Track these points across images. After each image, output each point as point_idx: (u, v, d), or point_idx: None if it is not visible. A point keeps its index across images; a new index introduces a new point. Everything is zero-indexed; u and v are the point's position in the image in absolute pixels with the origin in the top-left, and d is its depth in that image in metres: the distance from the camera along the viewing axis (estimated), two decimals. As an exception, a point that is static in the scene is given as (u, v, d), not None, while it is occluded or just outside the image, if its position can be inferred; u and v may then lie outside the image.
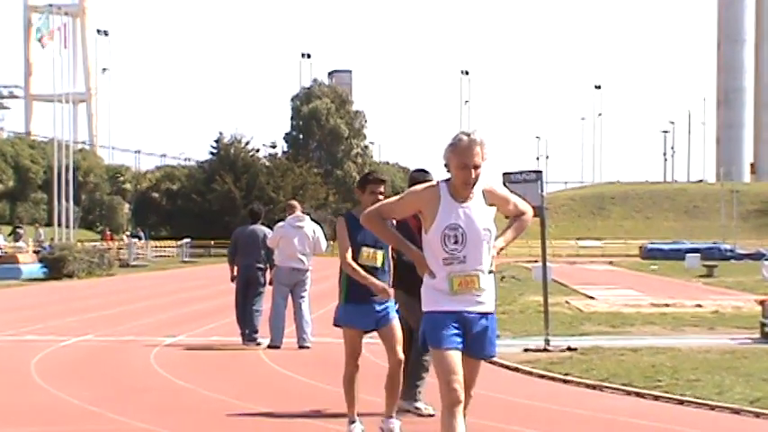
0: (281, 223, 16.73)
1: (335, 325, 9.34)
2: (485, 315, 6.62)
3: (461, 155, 6.52)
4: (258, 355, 15.63)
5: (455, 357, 6.53)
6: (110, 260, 48.55)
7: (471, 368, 6.67)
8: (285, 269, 16.43)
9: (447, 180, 6.63)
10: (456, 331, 6.53)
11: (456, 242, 6.52)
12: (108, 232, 75.54)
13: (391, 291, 9.15)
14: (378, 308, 9.17)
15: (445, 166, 6.63)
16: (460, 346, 6.54)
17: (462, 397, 6.53)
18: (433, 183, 6.72)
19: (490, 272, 6.64)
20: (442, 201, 6.57)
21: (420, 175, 10.29)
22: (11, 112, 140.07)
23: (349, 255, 9.06)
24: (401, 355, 9.22)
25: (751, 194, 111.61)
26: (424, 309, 6.66)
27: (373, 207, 6.92)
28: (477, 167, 6.52)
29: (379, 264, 9.15)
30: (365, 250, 9.11)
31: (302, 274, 16.49)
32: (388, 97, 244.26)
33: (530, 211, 6.90)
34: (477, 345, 6.62)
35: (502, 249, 6.71)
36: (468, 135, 6.56)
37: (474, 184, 6.57)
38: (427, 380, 10.35)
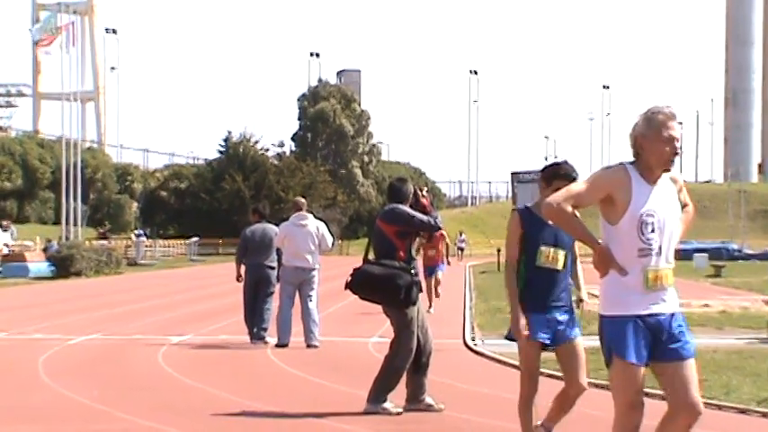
0: (285, 222, 16.73)
1: (507, 338, 7.96)
2: (673, 314, 5.94)
3: (666, 127, 5.79)
4: (266, 355, 15.63)
5: (641, 373, 5.80)
6: (117, 259, 48.62)
7: (684, 371, 5.85)
8: (291, 268, 16.41)
9: (632, 162, 5.87)
10: (645, 342, 5.80)
11: (653, 230, 5.76)
12: (101, 231, 74.79)
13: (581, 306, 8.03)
14: (559, 317, 7.75)
15: (633, 146, 5.87)
16: (645, 360, 5.81)
17: (641, 419, 5.82)
18: (618, 164, 5.92)
19: None
20: (633, 183, 5.79)
21: (400, 184, 10.53)
22: (19, 110, 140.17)
23: (514, 260, 7.68)
24: (584, 384, 7.87)
25: (759, 195, 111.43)
26: (606, 312, 5.87)
27: (558, 194, 5.91)
28: (679, 141, 5.81)
29: (560, 266, 7.73)
30: (544, 250, 7.66)
31: (308, 272, 16.46)
32: (396, 97, 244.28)
33: (691, 204, 6.19)
34: (677, 344, 5.87)
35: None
36: (668, 107, 5.84)
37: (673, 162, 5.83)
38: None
